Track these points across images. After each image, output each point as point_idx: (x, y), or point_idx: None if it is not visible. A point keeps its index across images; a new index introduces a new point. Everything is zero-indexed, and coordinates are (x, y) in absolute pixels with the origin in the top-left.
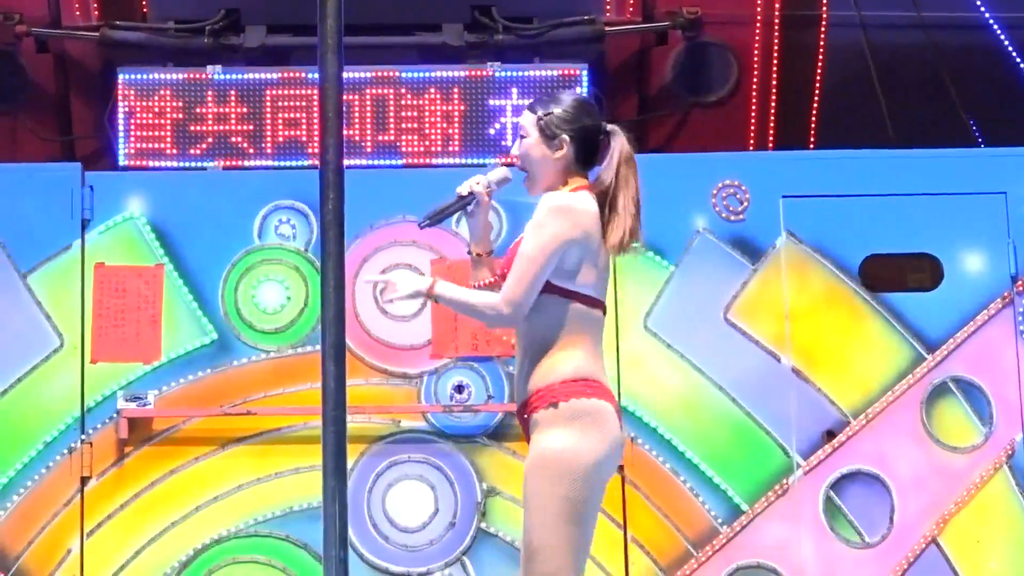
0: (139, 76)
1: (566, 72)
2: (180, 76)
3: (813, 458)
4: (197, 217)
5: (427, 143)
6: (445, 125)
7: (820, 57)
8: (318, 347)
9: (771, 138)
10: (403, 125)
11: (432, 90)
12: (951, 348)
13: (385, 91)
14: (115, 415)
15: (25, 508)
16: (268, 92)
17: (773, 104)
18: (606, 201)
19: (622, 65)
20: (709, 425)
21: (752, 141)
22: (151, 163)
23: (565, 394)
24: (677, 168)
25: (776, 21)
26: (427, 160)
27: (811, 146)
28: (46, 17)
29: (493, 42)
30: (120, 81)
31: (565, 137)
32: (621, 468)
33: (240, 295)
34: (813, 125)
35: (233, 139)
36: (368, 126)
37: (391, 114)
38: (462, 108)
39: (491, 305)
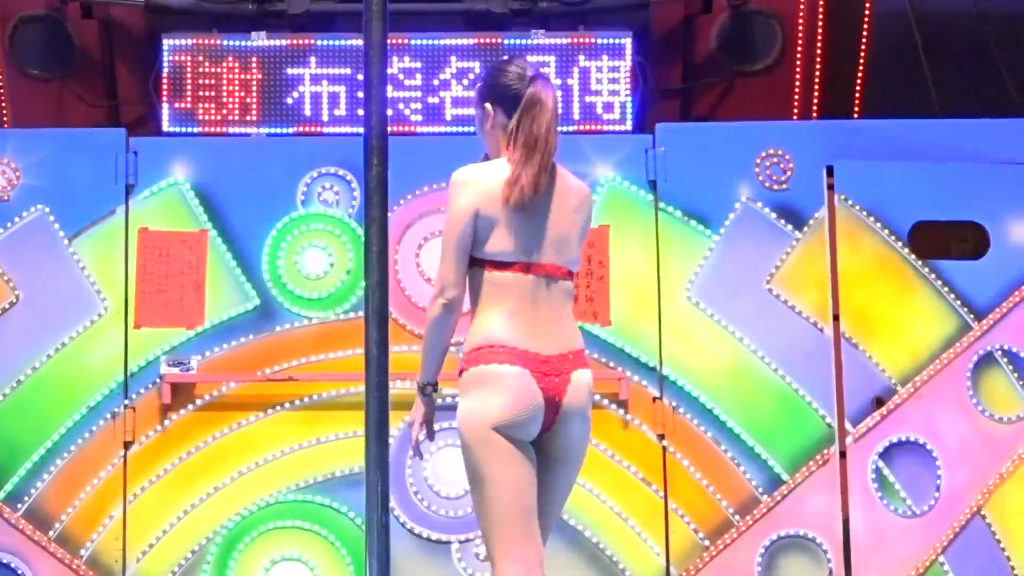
0: (184, 42)
1: (610, 40)
2: (225, 42)
3: (862, 426)
4: (241, 183)
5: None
6: None
7: (865, 25)
8: (361, 313)
9: (815, 107)
10: (447, 92)
11: (483, 57)
12: (997, 318)
13: (429, 58)
14: (158, 380)
15: (69, 472)
16: (313, 58)
17: (818, 72)
18: (520, 151)
19: (667, 33)
20: (750, 394)
21: (796, 110)
22: (195, 129)
23: (465, 364)
24: (721, 137)
25: None
26: (470, 126)
27: (856, 115)
28: None
29: (537, 9)
30: (165, 47)
31: (487, 105)
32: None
33: (283, 261)
34: (858, 94)
35: (277, 105)
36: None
37: (435, 81)
38: None
39: (430, 305)
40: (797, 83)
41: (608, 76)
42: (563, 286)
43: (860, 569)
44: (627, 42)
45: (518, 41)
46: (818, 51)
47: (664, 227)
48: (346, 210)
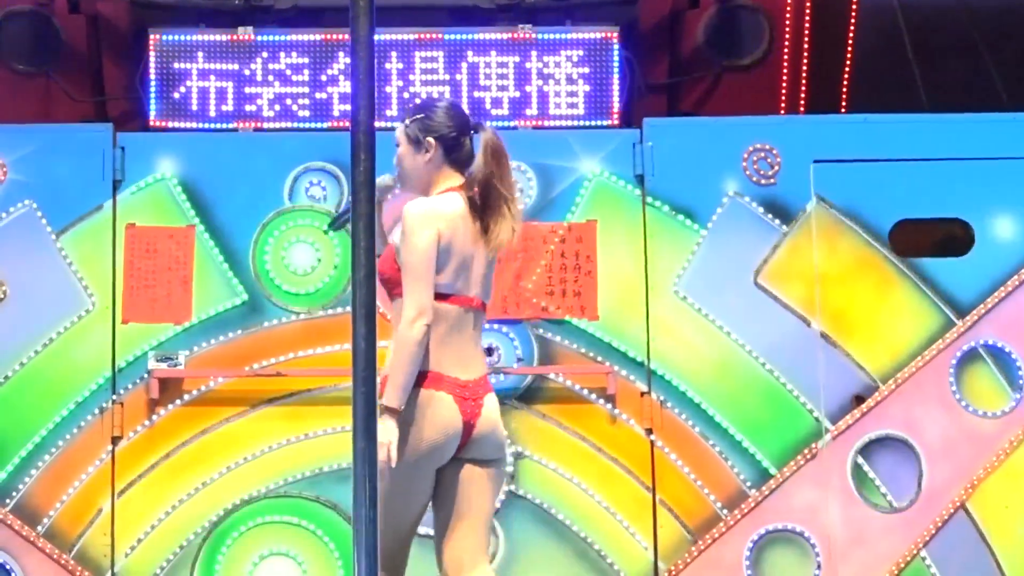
0: (171, 37)
1: (598, 35)
2: (212, 37)
3: (842, 423)
4: (228, 178)
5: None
6: (476, 88)
7: (852, 20)
8: (348, 308)
9: (803, 102)
10: (433, 88)
11: (469, 53)
12: (981, 313)
13: (416, 53)
14: (146, 375)
15: (57, 468)
16: (300, 53)
17: (805, 67)
18: (483, 197)
19: (654, 28)
20: (738, 389)
21: (783, 105)
22: (183, 124)
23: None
24: (708, 132)
25: None
26: None
27: (843, 110)
28: None
29: (525, 4)
30: (152, 42)
31: (431, 140)
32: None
33: (270, 256)
34: (845, 89)
35: (265, 100)
36: (398, 87)
37: (417, 77)
38: (493, 71)
39: (409, 328)
40: (784, 78)
41: (595, 71)
42: (481, 317)
43: (840, 564)
44: (614, 36)
45: (506, 36)
46: (805, 46)
47: (652, 222)
48: (334, 205)
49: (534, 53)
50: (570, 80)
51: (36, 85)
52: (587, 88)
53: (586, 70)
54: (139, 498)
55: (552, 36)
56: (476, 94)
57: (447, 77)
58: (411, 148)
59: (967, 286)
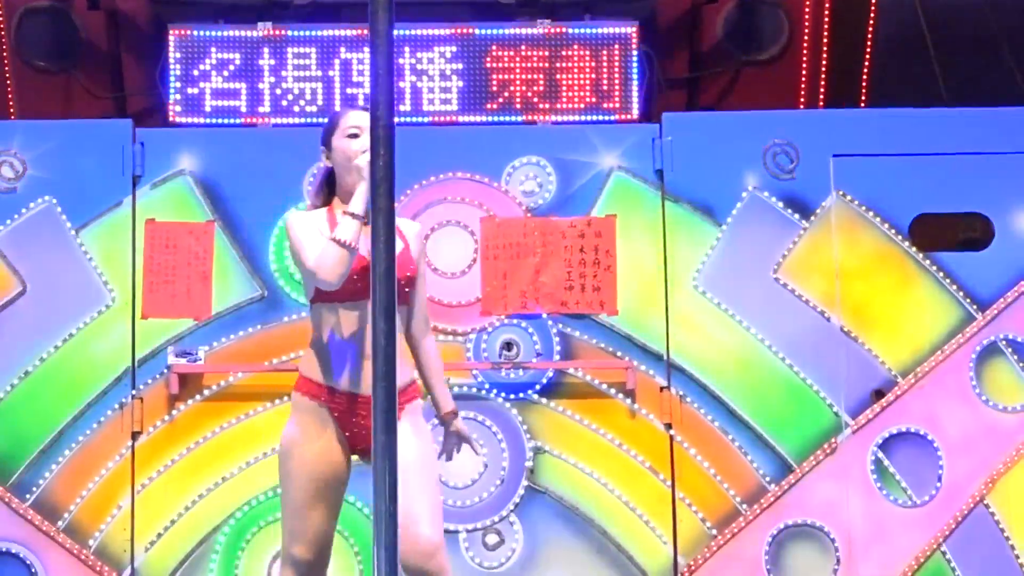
0: (190, 33)
1: (616, 30)
2: (231, 33)
3: (861, 417)
4: (247, 174)
5: (476, 100)
6: (496, 83)
7: (872, 14)
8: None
9: (822, 96)
10: (453, 82)
11: (493, 47)
12: (1002, 307)
13: (435, 48)
14: (165, 371)
15: (76, 463)
16: (319, 49)
17: (824, 62)
18: None
19: (673, 23)
20: (758, 383)
21: (803, 99)
22: (202, 120)
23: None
24: (727, 126)
25: None
26: (480, 117)
27: (862, 104)
28: None
29: (544, 0)
30: (171, 38)
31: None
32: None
33: (290, 252)
34: (864, 83)
35: (283, 96)
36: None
37: (436, 71)
38: (512, 66)
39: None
40: (804, 72)
41: (615, 66)
42: None
43: (860, 559)
44: (633, 32)
45: (525, 31)
46: (824, 40)
47: (671, 217)
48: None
49: (553, 48)
50: (589, 75)
51: (56, 82)
52: (606, 83)
53: (605, 65)
54: (159, 493)
55: (572, 31)
56: (495, 89)
57: (461, 68)
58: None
59: (987, 280)
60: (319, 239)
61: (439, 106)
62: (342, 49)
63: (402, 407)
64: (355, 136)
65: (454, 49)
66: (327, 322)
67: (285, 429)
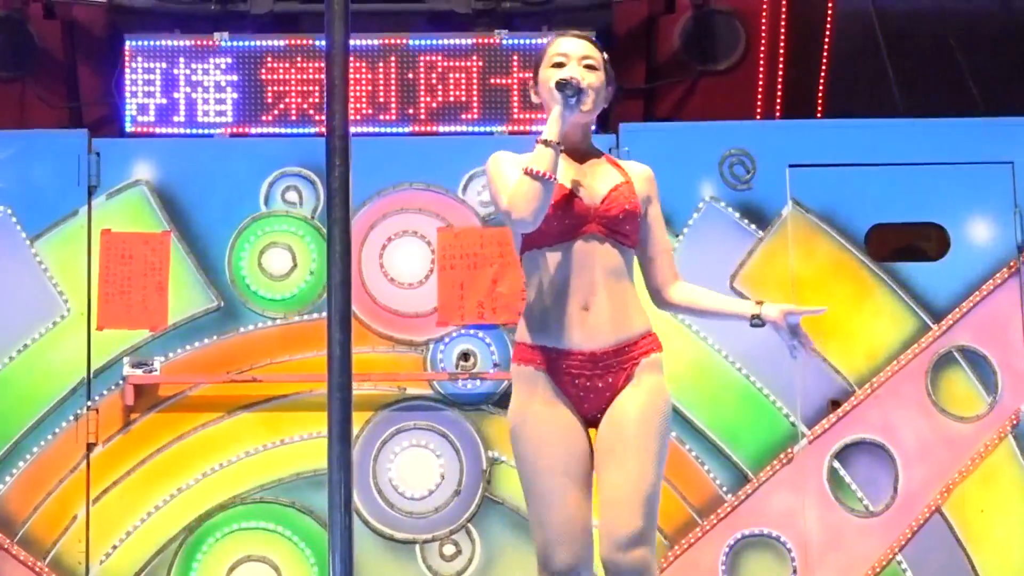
0: (146, 43)
1: None
2: (187, 43)
3: (818, 427)
4: (204, 184)
5: (434, 111)
6: (454, 93)
7: (828, 25)
8: (324, 314)
9: (779, 106)
10: (409, 93)
11: (440, 58)
12: (957, 317)
13: (391, 59)
14: (121, 382)
15: (31, 474)
16: (275, 59)
17: (780, 72)
18: None
19: (630, 33)
20: (714, 394)
21: (759, 109)
22: (158, 130)
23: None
24: (684, 136)
25: None
26: (434, 128)
27: (818, 115)
28: None
29: (501, 9)
30: (127, 47)
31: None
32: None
33: (246, 262)
34: (821, 94)
35: (240, 106)
36: (375, 94)
37: (392, 82)
38: (470, 76)
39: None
40: (760, 83)
41: None
42: None
43: (816, 568)
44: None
45: (483, 41)
46: (781, 51)
47: None
48: (310, 210)
49: (509, 58)
50: None
51: (11, 91)
52: None
53: None
54: (114, 505)
55: (528, 41)
56: (448, 99)
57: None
58: (606, 82)
59: (942, 290)
60: (515, 175)
61: (393, 117)
62: (298, 58)
63: (636, 361)
64: (560, 65)
65: (402, 59)
66: (534, 272)
67: (509, 407)
